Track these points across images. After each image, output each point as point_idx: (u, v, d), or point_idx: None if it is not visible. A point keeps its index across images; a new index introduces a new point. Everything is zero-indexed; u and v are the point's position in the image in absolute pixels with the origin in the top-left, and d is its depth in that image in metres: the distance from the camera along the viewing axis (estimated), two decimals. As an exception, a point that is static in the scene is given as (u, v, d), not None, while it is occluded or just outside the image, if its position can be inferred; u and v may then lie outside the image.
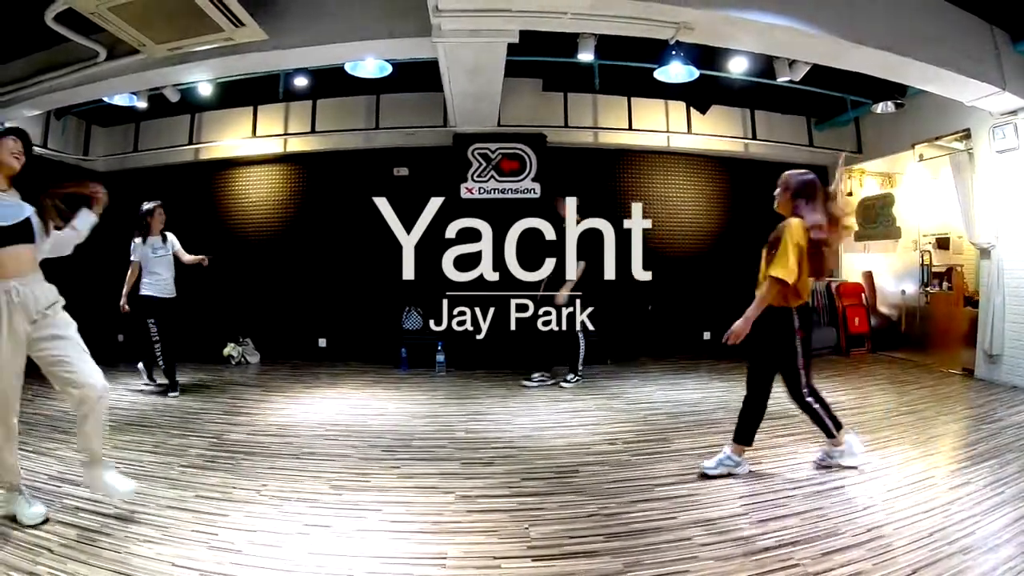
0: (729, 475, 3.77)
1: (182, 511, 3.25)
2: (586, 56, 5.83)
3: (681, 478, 3.76)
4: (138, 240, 6.12)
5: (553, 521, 3.18)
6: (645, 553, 2.79)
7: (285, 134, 8.46)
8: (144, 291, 6.09)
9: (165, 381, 6.16)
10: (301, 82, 7.21)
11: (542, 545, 2.91)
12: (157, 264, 6.12)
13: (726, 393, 6.10)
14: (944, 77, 5.60)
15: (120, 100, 6.96)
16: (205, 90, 7.20)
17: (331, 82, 7.46)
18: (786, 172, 3.89)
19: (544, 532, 3.05)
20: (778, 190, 3.85)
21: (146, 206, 6.16)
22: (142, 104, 7.08)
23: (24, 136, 3.19)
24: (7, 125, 3.28)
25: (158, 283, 6.11)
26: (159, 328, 6.11)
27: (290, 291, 8.50)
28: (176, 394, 6.07)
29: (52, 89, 6.06)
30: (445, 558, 2.80)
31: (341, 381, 6.84)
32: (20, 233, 3.06)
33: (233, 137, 8.62)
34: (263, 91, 7.90)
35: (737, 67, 6.77)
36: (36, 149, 7.42)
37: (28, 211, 3.12)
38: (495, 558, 2.80)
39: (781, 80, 6.48)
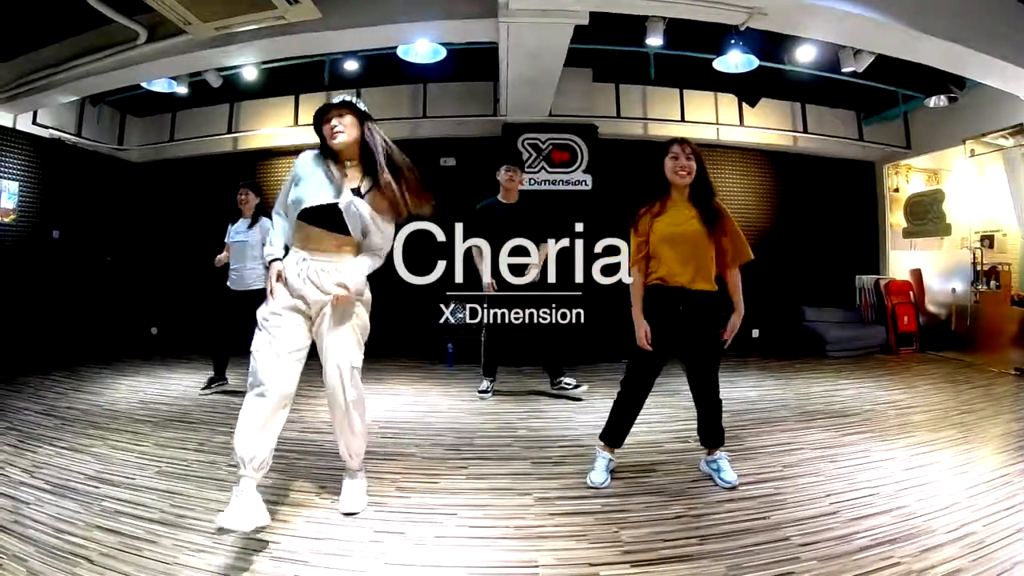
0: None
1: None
2: (654, 40, 5.70)
3: (761, 476, 3.61)
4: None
5: (641, 523, 3.00)
6: (744, 555, 2.63)
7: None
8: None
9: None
10: (348, 67, 7.07)
11: (636, 549, 2.72)
12: (234, 250, 5.70)
13: (783, 391, 5.99)
14: (1005, 70, 5.51)
15: (159, 86, 6.79)
16: (250, 74, 6.99)
17: (377, 70, 7.32)
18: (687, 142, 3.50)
19: (635, 535, 2.86)
20: (692, 161, 3.42)
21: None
22: (182, 89, 6.94)
23: (328, 108, 3.08)
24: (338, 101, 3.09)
25: (231, 272, 5.69)
26: (220, 318, 5.80)
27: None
28: (208, 391, 5.77)
29: (87, 74, 5.93)
30: (537, 566, 2.59)
31: (388, 377, 6.61)
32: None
33: (273, 126, 8.48)
34: (306, 80, 7.76)
35: (803, 56, 6.66)
36: (70, 138, 7.59)
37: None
38: (591, 565, 2.60)
39: (846, 70, 6.39)
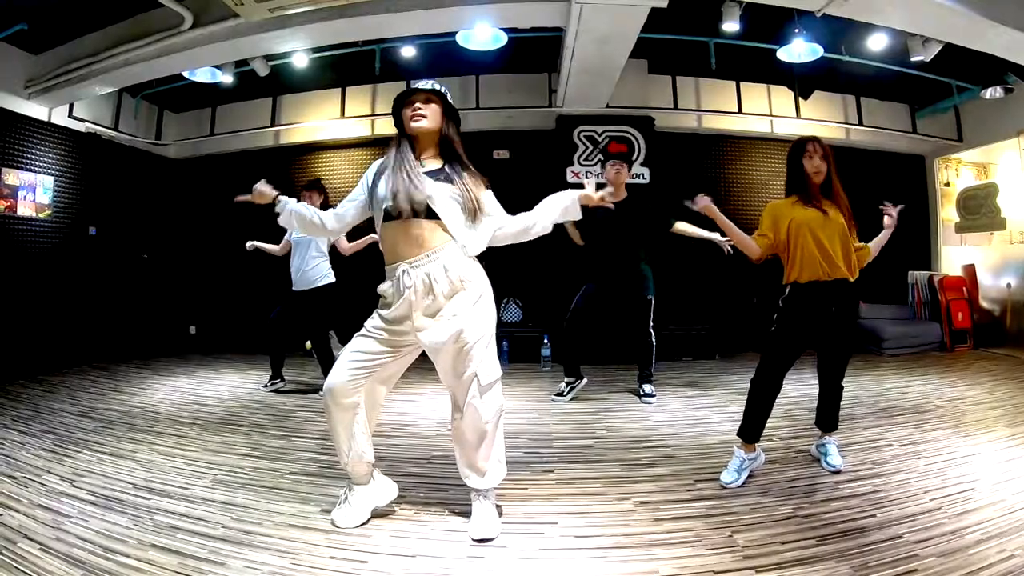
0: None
1: (309, 530, 2.72)
2: (730, 26, 5.59)
3: (856, 474, 3.45)
4: None
5: (754, 526, 2.80)
6: (864, 555, 2.48)
7: (373, 115, 8.12)
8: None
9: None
10: (400, 57, 6.96)
11: (757, 554, 2.52)
12: (295, 248, 5.51)
13: (852, 388, 5.64)
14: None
15: (202, 76, 6.61)
16: (300, 61, 6.80)
17: (428, 61, 7.20)
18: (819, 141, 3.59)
19: (751, 539, 2.66)
20: (825, 162, 3.55)
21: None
22: (227, 79, 6.75)
23: (414, 91, 2.81)
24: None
25: (292, 272, 5.50)
26: (278, 315, 5.67)
27: (375, 281, 8.09)
28: (267, 387, 5.73)
29: (128, 63, 5.77)
30: (660, 577, 2.36)
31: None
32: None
33: (318, 118, 8.34)
34: (353, 71, 7.65)
35: (874, 45, 6.63)
36: (106, 132, 7.43)
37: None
38: (715, 573, 2.38)
39: (914, 59, 6.31)
